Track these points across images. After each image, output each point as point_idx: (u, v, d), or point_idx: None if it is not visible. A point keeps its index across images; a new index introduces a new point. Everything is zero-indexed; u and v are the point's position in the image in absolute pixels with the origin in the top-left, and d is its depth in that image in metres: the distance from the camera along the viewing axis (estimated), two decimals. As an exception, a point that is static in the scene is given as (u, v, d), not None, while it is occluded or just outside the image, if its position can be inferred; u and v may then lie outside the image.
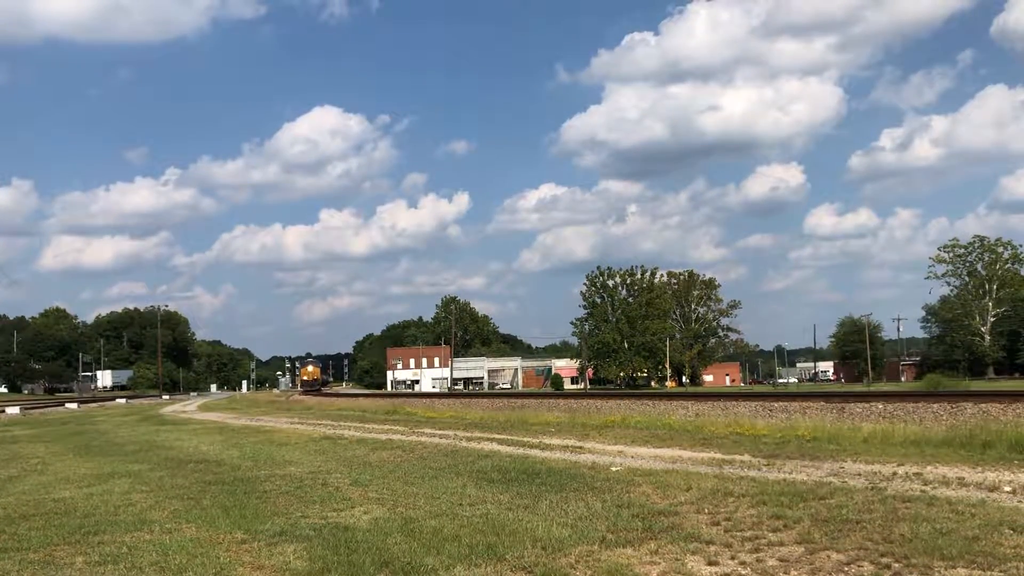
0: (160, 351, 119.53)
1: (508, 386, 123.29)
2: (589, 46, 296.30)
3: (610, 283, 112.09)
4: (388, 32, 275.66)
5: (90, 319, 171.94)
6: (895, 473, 10.81)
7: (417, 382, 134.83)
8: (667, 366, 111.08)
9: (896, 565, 6.34)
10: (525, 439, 18.02)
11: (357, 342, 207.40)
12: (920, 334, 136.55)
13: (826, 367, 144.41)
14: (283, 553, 7.43)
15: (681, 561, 6.74)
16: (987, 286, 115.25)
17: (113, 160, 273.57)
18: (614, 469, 12.24)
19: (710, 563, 6.67)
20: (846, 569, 6.33)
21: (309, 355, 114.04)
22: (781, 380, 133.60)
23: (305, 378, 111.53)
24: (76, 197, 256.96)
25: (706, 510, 8.75)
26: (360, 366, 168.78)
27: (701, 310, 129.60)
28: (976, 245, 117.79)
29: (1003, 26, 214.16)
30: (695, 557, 6.86)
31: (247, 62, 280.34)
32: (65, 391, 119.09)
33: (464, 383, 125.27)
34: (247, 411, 44.44)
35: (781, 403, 22.40)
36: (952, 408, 18.11)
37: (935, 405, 18.72)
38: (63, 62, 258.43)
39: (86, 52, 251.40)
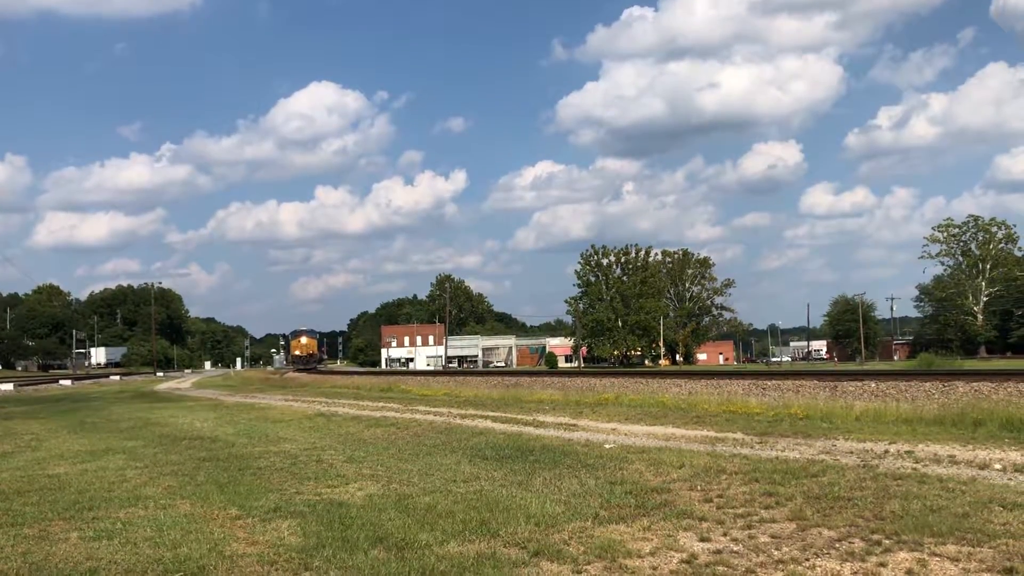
0: (154, 328, 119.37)
1: (502, 364, 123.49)
2: (586, 22, 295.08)
3: (604, 262, 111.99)
4: (385, 8, 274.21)
5: (84, 296, 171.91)
6: (887, 451, 10.87)
7: (411, 360, 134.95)
8: (661, 344, 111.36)
9: (887, 542, 6.38)
10: (519, 417, 18.07)
11: (351, 320, 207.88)
12: (913, 313, 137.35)
13: (819, 346, 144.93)
14: (277, 529, 7.46)
15: (674, 537, 6.77)
16: (980, 266, 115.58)
17: (108, 136, 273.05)
18: (607, 447, 12.29)
19: (702, 539, 6.70)
20: (837, 546, 6.36)
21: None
22: (774, 359, 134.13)
23: (298, 352, 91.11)
24: (70, 173, 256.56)
25: (699, 487, 8.79)
26: (355, 344, 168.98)
27: (695, 289, 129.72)
28: (970, 225, 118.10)
29: (1003, 5, 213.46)
30: (688, 534, 6.90)
31: (242, 36, 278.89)
32: (59, 368, 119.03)
33: (458, 361, 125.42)
34: (241, 388, 44.50)
35: (774, 382, 22.48)
36: (944, 387, 18.18)
37: (927, 384, 18.79)
38: (56, 36, 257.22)
39: (79, 26, 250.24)
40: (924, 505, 7.45)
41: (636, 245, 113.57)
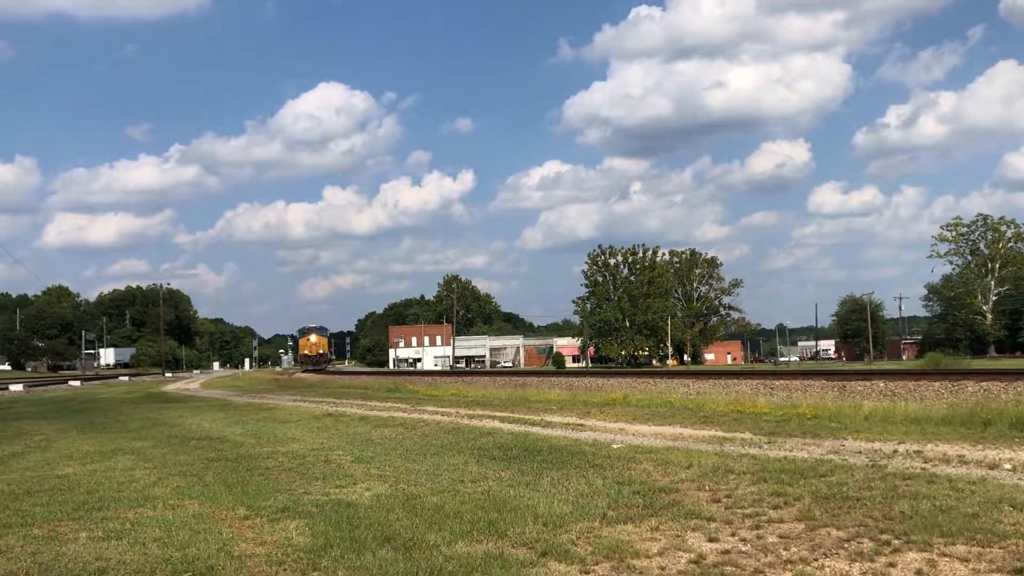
0: (163, 329, 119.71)
1: (510, 364, 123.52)
2: (593, 21, 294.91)
3: (612, 262, 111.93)
4: (392, 9, 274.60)
5: (92, 297, 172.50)
6: (896, 451, 10.83)
7: (419, 360, 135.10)
8: (668, 344, 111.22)
9: (896, 542, 6.36)
10: (527, 417, 18.06)
11: (359, 320, 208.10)
12: (922, 313, 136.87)
13: (827, 346, 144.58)
14: (285, 529, 7.47)
15: (682, 538, 6.76)
16: (989, 265, 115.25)
17: (116, 137, 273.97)
18: (615, 446, 12.28)
19: (711, 540, 6.68)
20: (846, 546, 6.34)
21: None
22: (782, 358, 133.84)
23: (307, 352, 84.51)
24: (79, 174, 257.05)
25: (707, 487, 8.77)
26: (362, 344, 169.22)
27: (703, 288, 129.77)
28: (979, 224, 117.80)
29: (1013, 3, 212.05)
30: (696, 534, 6.89)
31: (250, 37, 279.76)
32: (68, 369, 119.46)
33: (466, 361, 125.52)
34: (250, 389, 44.61)
35: (782, 381, 22.41)
36: (953, 386, 18.11)
37: (936, 383, 18.72)
38: (65, 38, 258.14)
39: (87, 27, 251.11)
40: (933, 505, 7.41)
41: (643, 245, 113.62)
